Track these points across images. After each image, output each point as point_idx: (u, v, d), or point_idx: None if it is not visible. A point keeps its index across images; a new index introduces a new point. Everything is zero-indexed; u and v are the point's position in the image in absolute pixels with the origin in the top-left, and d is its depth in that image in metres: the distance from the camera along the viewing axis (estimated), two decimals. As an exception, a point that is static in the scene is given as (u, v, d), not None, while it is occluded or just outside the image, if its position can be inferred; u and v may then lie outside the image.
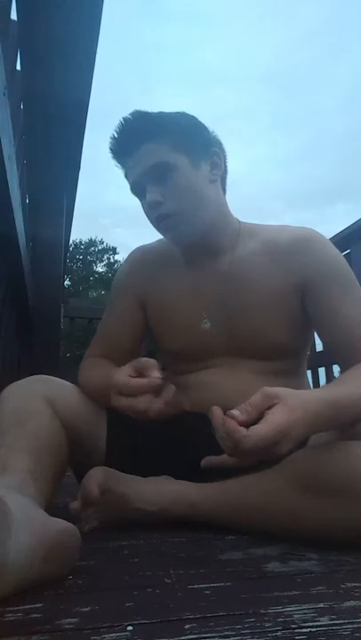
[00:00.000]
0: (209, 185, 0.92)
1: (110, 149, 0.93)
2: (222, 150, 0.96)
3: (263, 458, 0.63)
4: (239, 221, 0.99)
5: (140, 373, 0.72)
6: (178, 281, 0.98)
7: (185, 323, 0.96)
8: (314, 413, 0.64)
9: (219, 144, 0.96)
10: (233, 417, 0.61)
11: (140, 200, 0.93)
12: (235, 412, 0.61)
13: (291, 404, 0.62)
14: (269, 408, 0.61)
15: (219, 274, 0.94)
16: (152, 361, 0.72)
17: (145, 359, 0.73)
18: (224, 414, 0.62)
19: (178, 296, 0.97)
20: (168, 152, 0.88)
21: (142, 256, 1.06)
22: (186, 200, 0.89)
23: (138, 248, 1.09)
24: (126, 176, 0.94)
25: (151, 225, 0.94)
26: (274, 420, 0.60)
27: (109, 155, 0.94)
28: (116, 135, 0.91)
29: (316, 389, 0.74)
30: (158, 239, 1.07)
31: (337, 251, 0.94)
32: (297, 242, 0.91)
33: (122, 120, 0.90)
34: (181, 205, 0.88)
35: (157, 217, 0.90)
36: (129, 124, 0.90)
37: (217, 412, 0.63)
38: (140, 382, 0.70)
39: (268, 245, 0.93)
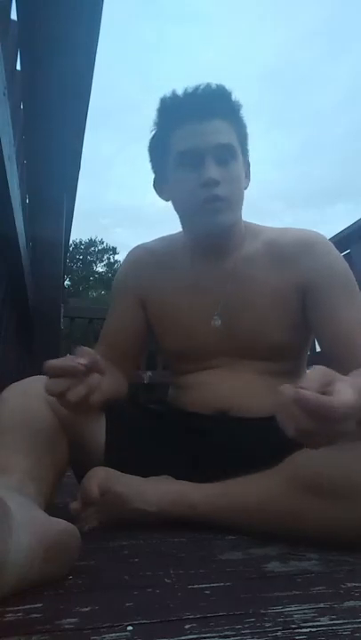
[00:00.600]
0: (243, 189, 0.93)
1: (171, 103, 0.88)
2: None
3: (336, 438, 0.54)
4: (244, 222, 0.99)
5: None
6: (181, 279, 0.97)
7: (190, 321, 0.95)
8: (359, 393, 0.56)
9: None
10: (304, 387, 0.51)
11: (183, 170, 0.87)
12: (304, 383, 0.52)
13: (346, 380, 0.56)
14: (330, 385, 0.54)
15: (223, 273, 0.94)
16: (88, 349, 0.67)
17: (84, 348, 0.67)
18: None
19: (181, 294, 0.97)
20: (235, 139, 0.88)
21: (142, 255, 1.05)
22: (235, 191, 0.89)
23: (137, 247, 1.07)
24: (167, 140, 0.88)
25: (187, 206, 0.89)
26: (347, 392, 0.52)
27: (162, 107, 0.89)
28: (190, 94, 0.86)
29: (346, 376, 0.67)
30: (158, 237, 1.06)
31: (340, 254, 0.94)
32: (300, 244, 0.91)
33: (201, 84, 0.86)
34: (232, 194, 0.87)
35: (211, 196, 0.85)
36: (210, 91, 0.86)
37: (287, 389, 0.53)
38: (62, 363, 0.64)
39: (271, 246, 0.93)
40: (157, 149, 0.93)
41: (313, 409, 0.50)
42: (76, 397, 0.63)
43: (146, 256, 1.04)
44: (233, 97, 0.89)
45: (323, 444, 0.54)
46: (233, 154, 0.87)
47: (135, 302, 1.02)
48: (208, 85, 0.86)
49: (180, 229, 1.02)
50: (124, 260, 1.09)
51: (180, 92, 0.87)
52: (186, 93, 0.87)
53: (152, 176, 0.99)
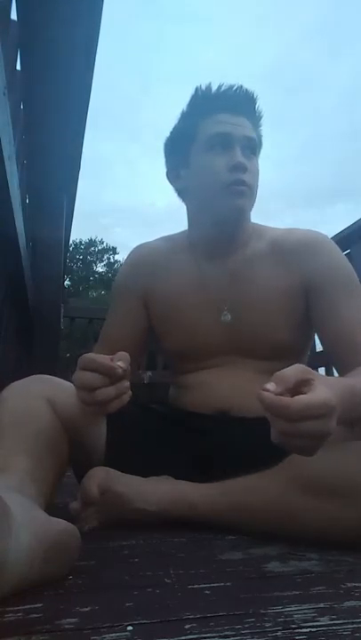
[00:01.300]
0: None
1: (206, 94, 0.94)
2: None
3: (314, 439, 0.54)
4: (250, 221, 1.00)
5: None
6: (185, 278, 0.98)
7: (194, 319, 0.95)
8: (341, 395, 0.59)
9: None
10: (268, 390, 0.53)
11: (212, 153, 0.91)
12: (269, 385, 0.54)
13: (325, 380, 0.57)
14: (307, 385, 0.55)
15: (228, 271, 0.95)
16: (126, 354, 0.67)
17: (123, 353, 0.68)
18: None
19: (186, 293, 0.97)
20: (257, 139, 0.95)
21: (144, 254, 1.05)
22: (255, 182, 0.94)
23: (139, 246, 1.07)
24: (195, 127, 0.93)
25: (214, 186, 0.90)
26: (320, 390, 0.54)
27: (196, 95, 0.95)
28: (224, 89, 0.93)
29: (333, 377, 0.71)
30: (160, 237, 1.06)
31: (343, 255, 0.95)
32: (303, 244, 0.92)
33: (235, 84, 0.93)
34: (254, 184, 0.93)
35: (239, 180, 0.89)
36: (242, 92, 0.94)
37: (262, 394, 0.54)
38: (102, 360, 0.64)
39: (275, 246, 0.94)
40: (182, 135, 0.97)
41: (267, 408, 0.52)
42: (104, 397, 0.63)
43: (148, 255, 1.04)
44: (258, 106, 0.96)
45: (301, 447, 0.55)
46: (258, 147, 0.95)
47: (137, 301, 1.01)
48: (241, 87, 0.94)
49: (182, 229, 1.02)
50: (126, 260, 1.09)
51: (214, 85, 0.94)
52: (221, 88, 0.93)
53: (162, 170, 1.01)
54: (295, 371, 0.56)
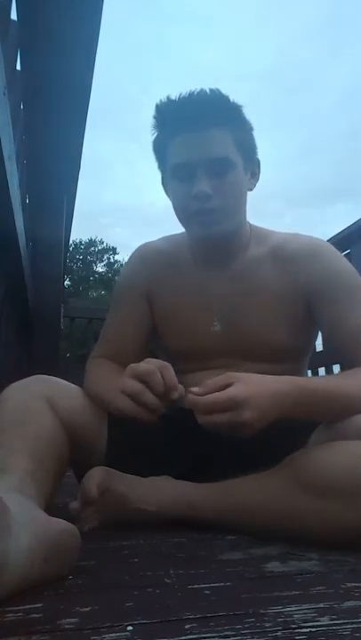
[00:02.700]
0: (247, 192, 0.93)
1: (165, 113, 0.87)
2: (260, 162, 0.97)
3: (232, 426, 0.66)
4: (250, 225, 0.99)
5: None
6: (186, 280, 0.97)
7: (191, 322, 0.96)
8: (278, 391, 0.70)
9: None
10: (191, 391, 0.68)
11: (177, 181, 0.88)
12: (194, 388, 0.68)
13: (246, 381, 0.68)
14: (228, 387, 0.67)
15: (228, 276, 0.95)
16: (168, 365, 0.74)
17: (166, 364, 0.74)
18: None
19: (186, 295, 0.97)
20: (232, 147, 0.86)
21: (148, 253, 1.04)
22: (231, 200, 0.88)
23: (143, 245, 1.07)
24: (164, 148, 0.89)
25: (181, 216, 0.90)
26: (229, 390, 0.66)
27: (157, 114, 0.88)
28: (184, 102, 0.85)
29: (285, 376, 0.77)
30: (163, 237, 1.06)
31: (346, 261, 0.95)
32: (304, 250, 0.92)
33: (195, 90, 0.84)
34: (227, 204, 0.87)
35: (201, 209, 0.85)
36: (204, 98, 0.84)
37: (187, 394, 0.69)
38: (158, 376, 0.72)
39: (276, 251, 0.94)
40: (159, 151, 0.93)
41: (187, 405, 0.68)
42: (154, 413, 0.71)
43: (152, 254, 1.04)
44: (230, 100, 0.87)
45: (227, 431, 0.67)
46: (228, 165, 0.86)
47: (141, 298, 1.01)
48: (202, 91, 0.85)
49: (183, 230, 1.02)
50: (130, 258, 1.08)
51: (174, 98, 0.86)
52: (180, 100, 0.85)
53: (156, 175, 0.99)
54: (219, 378, 0.69)
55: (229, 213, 0.88)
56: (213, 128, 0.84)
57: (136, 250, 1.07)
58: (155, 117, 0.89)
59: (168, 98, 0.86)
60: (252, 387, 0.67)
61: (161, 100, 0.87)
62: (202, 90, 0.85)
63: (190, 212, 0.88)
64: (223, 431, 0.67)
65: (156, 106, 0.88)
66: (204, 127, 0.84)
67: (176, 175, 0.88)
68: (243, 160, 0.89)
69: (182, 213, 0.90)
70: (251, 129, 0.92)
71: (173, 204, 0.92)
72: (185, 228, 0.94)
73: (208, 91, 0.85)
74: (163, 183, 0.99)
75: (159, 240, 1.06)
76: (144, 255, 1.05)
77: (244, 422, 0.65)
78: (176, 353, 0.99)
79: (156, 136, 0.92)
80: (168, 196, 0.97)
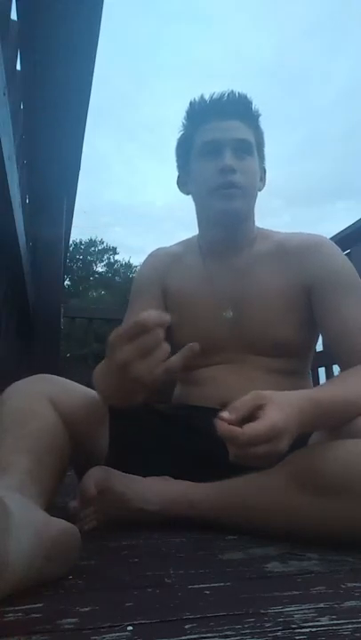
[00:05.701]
0: (257, 187, 1.01)
1: (198, 105, 0.98)
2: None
3: (267, 458, 0.62)
4: (255, 226, 1.05)
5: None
6: (194, 275, 1.03)
7: (201, 315, 0.99)
8: (302, 411, 0.66)
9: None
10: (223, 418, 0.61)
11: (203, 158, 0.96)
12: (224, 413, 0.62)
13: (279, 402, 0.64)
14: (260, 409, 0.62)
15: (234, 270, 0.99)
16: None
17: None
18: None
19: (197, 285, 1.02)
20: (253, 140, 0.98)
21: (161, 255, 1.12)
22: (250, 183, 0.97)
23: (156, 249, 1.15)
24: (190, 141, 0.98)
25: (204, 191, 0.97)
26: (268, 417, 0.61)
27: (190, 108, 0.99)
28: (214, 97, 0.97)
29: (300, 390, 0.75)
30: (176, 243, 1.13)
31: (345, 256, 0.98)
32: (305, 245, 0.97)
33: (226, 91, 0.97)
34: (247, 184, 0.95)
35: (227, 182, 0.93)
36: (233, 97, 0.97)
37: (218, 422, 0.61)
38: (154, 316, 0.61)
39: (279, 247, 0.99)
40: (183, 145, 1.02)
41: (221, 436, 0.60)
42: (154, 369, 0.60)
43: (165, 256, 1.11)
44: (253, 106, 0.99)
45: (256, 464, 0.63)
46: (249, 149, 0.96)
47: (158, 292, 1.06)
48: (232, 92, 0.97)
49: (183, 230, 1.05)
50: (145, 261, 1.15)
51: (207, 96, 0.97)
52: (212, 98, 0.97)
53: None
54: (248, 400, 0.63)
55: (247, 194, 0.96)
56: (239, 120, 0.96)
57: (149, 254, 1.15)
58: (187, 112, 1.00)
59: (202, 96, 0.98)
60: (285, 409, 0.63)
61: (195, 98, 0.99)
62: (232, 91, 0.97)
63: (214, 186, 0.94)
64: (253, 463, 0.63)
65: (190, 102, 0.99)
66: (231, 117, 0.95)
67: (203, 151, 0.96)
68: (258, 157, 0.99)
69: (205, 188, 0.97)
70: (263, 138, 1.02)
71: (197, 180, 1.00)
72: (206, 205, 1.00)
73: (237, 93, 0.97)
74: (179, 180, 1.07)
75: (172, 245, 1.14)
76: (157, 256, 1.13)
77: (279, 452, 0.62)
78: (184, 346, 0.99)
79: (185, 129, 1.02)
80: (184, 191, 1.06)
